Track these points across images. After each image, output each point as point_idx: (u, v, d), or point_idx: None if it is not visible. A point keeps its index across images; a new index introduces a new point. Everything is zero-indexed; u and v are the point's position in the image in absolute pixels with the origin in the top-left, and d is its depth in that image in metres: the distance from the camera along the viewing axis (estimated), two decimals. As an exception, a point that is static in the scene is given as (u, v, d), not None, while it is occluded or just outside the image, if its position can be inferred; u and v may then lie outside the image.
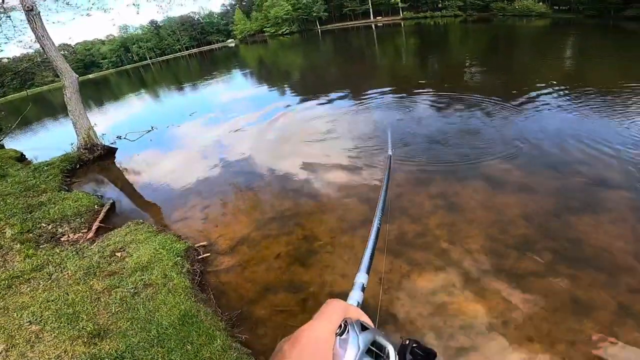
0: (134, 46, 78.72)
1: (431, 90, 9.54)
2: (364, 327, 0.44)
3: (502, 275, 2.88)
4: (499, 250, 3.16)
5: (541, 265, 2.93)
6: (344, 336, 0.42)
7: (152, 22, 78.48)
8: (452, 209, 3.89)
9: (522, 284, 2.77)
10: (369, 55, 21.02)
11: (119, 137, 9.60)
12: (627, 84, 7.56)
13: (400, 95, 9.41)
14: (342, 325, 0.43)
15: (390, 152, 1.58)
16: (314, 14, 56.40)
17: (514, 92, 8.09)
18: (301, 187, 5.02)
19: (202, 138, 8.62)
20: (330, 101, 9.71)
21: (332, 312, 0.45)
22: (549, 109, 6.71)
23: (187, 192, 5.66)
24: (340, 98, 9.88)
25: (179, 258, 3.51)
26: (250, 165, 6.27)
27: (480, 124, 6.39)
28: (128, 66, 74.60)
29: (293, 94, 12.26)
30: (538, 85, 8.33)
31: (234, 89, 17.15)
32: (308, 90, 12.10)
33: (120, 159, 8.41)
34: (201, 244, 3.93)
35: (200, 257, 3.70)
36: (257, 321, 2.89)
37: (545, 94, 7.70)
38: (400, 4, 49.62)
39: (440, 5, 47.22)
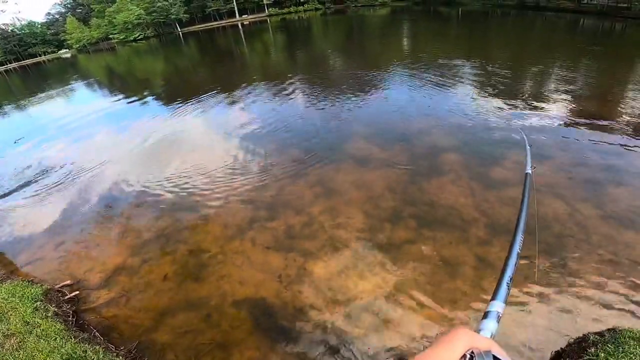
0: None
1: (299, 79, 9.91)
2: None
3: (383, 248, 3.14)
4: (376, 225, 3.45)
5: (411, 232, 3.29)
6: None
7: (-63, 40, 58.32)
8: (331, 194, 4.08)
9: (400, 253, 3.05)
10: (237, 54, 20.46)
11: None
12: (452, 57, 9.25)
13: (272, 88, 9.41)
14: (468, 357, 0.38)
15: (529, 170, 1.30)
16: (173, 17, 51.35)
17: (373, 70, 9.00)
18: (176, 202, 4.56)
19: (35, 166, 6.91)
20: (198, 103, 9.08)
21: (454, 340, 0.41)
22: (394, 86, 7.73)
23: (30, 233, 4.54)
24: (210, 99, 9.37)
25: (39, 302, 3.11)
26: (111, 186, 5.37)
27: (343, 107, 6.92)
28: None
29: (154, 101, 10.99)
30: (388, 64, 9.49)
31: (75, 104, 14.19)
32: (170, 95, 11.05)
33: None
34: (65, 283, 3.48)
35: (67, 297, 3.29)
36: (162, 348, 2.60)
37: (393, 71, 8.84)
38: (265, 1, 49.68)
39: (302, 0, 49.34)
